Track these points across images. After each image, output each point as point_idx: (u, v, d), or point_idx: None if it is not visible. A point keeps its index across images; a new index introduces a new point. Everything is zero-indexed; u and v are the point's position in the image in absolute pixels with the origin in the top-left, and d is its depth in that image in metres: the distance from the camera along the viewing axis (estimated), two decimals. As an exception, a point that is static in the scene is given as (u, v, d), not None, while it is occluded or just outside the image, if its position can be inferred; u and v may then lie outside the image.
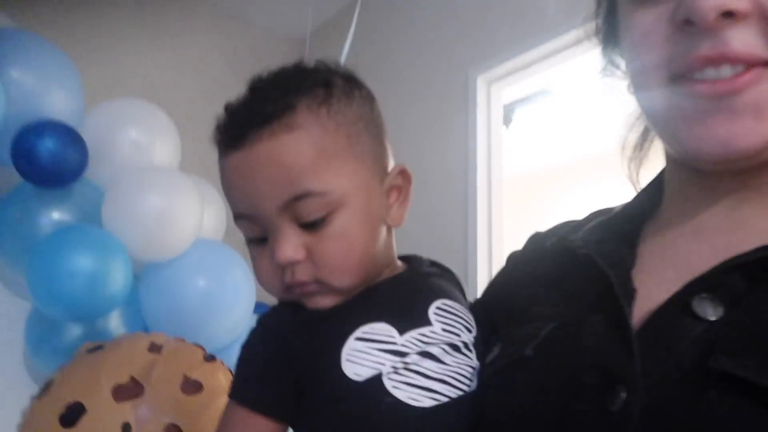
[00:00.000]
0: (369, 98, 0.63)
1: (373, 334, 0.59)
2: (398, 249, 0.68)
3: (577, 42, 1.47)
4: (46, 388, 1.06)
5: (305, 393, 0.60)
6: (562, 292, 0.54)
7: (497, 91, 1.84)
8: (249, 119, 0.57)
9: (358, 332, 0.58)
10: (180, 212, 1.23)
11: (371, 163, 0.61)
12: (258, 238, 0.61)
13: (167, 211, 1.21)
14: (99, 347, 1.11)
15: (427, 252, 0.72)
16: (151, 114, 1.39)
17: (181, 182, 1.26)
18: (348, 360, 0.57)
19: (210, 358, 1.17)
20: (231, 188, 0.60)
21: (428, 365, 0.58)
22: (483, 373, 0.57)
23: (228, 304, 1.30)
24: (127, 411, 0.99)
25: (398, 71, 2.07)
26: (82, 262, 1.08)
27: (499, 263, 0.77)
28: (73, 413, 1.00)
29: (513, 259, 0.65)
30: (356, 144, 0.60)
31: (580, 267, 0.53)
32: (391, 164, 0.64)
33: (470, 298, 0.67)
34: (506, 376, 0.53)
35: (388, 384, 0.57)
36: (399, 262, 0.67)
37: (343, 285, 0.61)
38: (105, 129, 1.31)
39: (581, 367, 0.45)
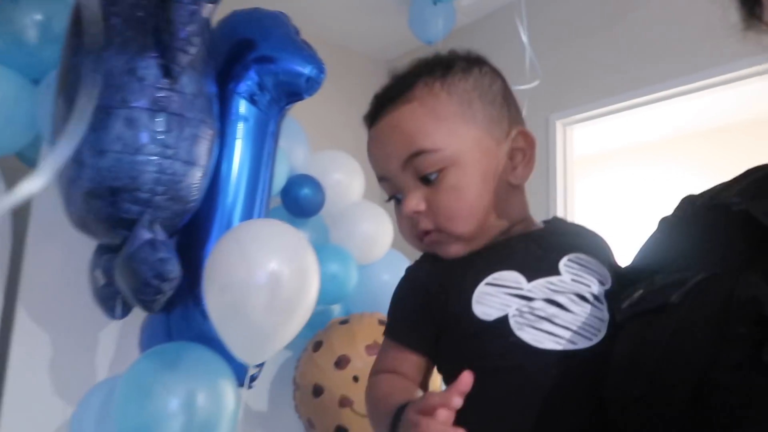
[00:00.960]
0: (489, 74, 0.71)
1: (502, 280, 0.65)
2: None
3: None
4: (317, 346, 1.68)
5: (442, 331, 0.67)
6: (714, 245, 0.52)
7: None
8: (381, 100, 0.70)
9: (489, 278, 0.65)
10: (381, 232, 1.83)
11: (486, 126, 0.68)
12: (394, 196, 0.71)
13: (374, 232, 1.82)
14: (346, 321, 1.73)
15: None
16: (344, 159, 1.98)
17: (378, 211, 1.87)
18: (478, 302, 0.64)
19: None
20: (370, 156, 0.72)
21: (553, 312, 0.62)
22: (618, 317, 0.57)
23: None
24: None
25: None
26: (331, 268, 1.69)
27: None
28: (342, 361, 1.62)
29: (663, 221, 0.63)
30: (468, 110, 0.68)
31: (735, 223, 0.51)
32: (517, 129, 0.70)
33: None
34: (647, 320, 0.52)
35: (514, 325, 0.62)
36: (537, 221, 0.74)
37: (459, 232, 0.68)
38: (320, 174, 1.91)
39: (736, 318, 0.44)
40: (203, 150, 1.11)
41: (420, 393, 0.67)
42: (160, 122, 1.03)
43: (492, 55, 0.73)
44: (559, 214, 2.25)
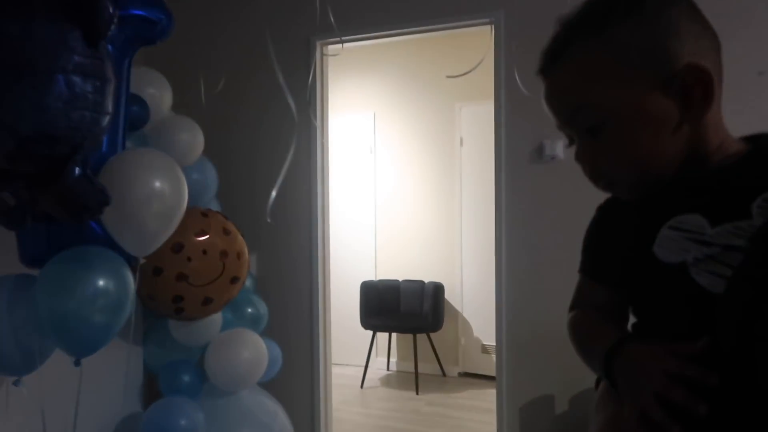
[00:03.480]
0: (654, 16, 0.67)
1: (685, 224, 0.66)
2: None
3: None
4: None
5: (627, 269, 0.71)
6: None
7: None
8: (546, 57, 0.74)
9: (672, 221, 0.66)
10: (195, 140, 2.23)
11: (650, 74, 0.67)
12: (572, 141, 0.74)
13: (191, 140, 2.21)
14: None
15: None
16: (154, 75, 2.25)
17: (190, 122, 2.25)
18: (659, 245, 0.66)
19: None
20: (546, 107, 0.75)
21: (735, 257, 0.60)
22: None
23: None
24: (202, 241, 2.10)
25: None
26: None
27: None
28: (177, 246, 2.04)
29: None
30: (625, 64, 0.68)
31: None
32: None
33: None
34: None
35: (693, 270, 0.63)
36: (739, 145, 0.70)
37: (623, 181, 0.72)
38: (136, 89, 2.16)
39: None
40: (111, 100, 1.43)
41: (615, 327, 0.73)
42: (89, 83, 1.32)
43: None
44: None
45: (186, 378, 2.40)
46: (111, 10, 1.32)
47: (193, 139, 2.22)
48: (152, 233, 1.59)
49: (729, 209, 0.63)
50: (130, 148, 1.68)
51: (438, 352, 4.86)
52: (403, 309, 4.79)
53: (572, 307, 0.83)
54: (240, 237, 2.28)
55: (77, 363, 1.55)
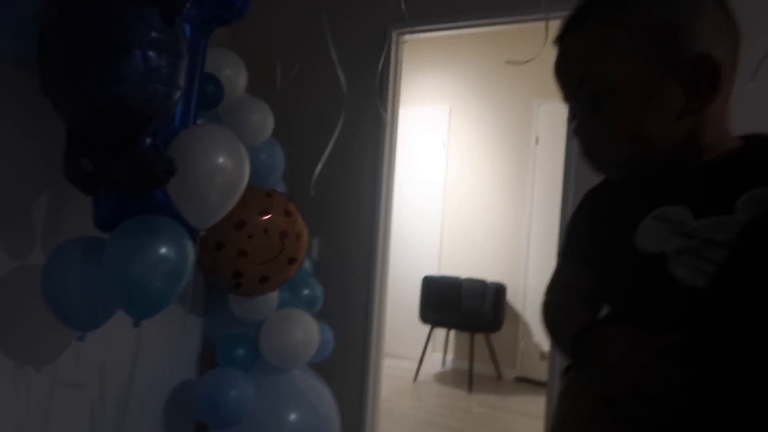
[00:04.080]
0: (670, 2, 0.67)
1: (669, 215, 0.65)
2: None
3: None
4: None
5: (608, 256, 0.71)
6: None
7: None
8: (564, 25, 0.74)
9: (657, 212, 0.66)
10: (266, 122, 2.30)
11: (660, 55, 0.66)
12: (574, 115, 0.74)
13: (261, 122, 2.28)
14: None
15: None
16: (231, 56, 2.32)
17: (263, 104, 2.31)
18: (640, 235, 0.66)
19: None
20: (555, 76, 0.76)
21: (715, 251, 0.60)
22: None
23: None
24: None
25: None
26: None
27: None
28: (240, 223, 2.12)
29: None
30: (642, 39, 0.67)
31: None
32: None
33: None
34: None
35: (671, 263, 0.63)
36: (734, 141, 0.70)
37: (616, 158, 0.71)
38: (212, 69, 2.24)
39: None
40: (184, 76, 1.49)
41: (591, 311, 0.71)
42: (164, 58, 1.38)
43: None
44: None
45: (241, 351, 2.48)
46: (188, -9, 1.37)
47: (264, 120, 2.28)
48: (213, 206, 1.65)
49: (714, 203, 0.63)
50: (200, 124, 1.74)
51: (495, 353, 4.79)
52: (464, 306, 4.75)
53: (548, 291, 0.83)
54: (300, 219, 2.32)
55: (136, 324, 1.63)
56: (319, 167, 1.89)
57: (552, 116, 4.57)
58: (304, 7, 3.09)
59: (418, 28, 2.68)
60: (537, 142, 4.72)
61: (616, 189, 0.77)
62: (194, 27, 1.71)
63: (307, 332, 2.46)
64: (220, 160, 1.64)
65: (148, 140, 1.43)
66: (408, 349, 4.98)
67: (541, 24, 2.61)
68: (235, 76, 2.25)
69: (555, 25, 2.63)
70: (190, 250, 1.68)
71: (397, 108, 2.97)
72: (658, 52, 0.67)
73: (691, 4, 0.68)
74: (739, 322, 0.49)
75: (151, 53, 1.36)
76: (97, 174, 1.53)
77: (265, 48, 3.05)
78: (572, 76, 0.73)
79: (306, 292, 2.62)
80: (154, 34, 1.36)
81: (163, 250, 1.59)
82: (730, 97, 0.71)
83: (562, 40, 0.75)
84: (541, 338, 4.69)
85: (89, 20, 1.33)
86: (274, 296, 2.44)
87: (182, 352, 2.51)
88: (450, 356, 5.10)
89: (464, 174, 5.00)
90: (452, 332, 5.06)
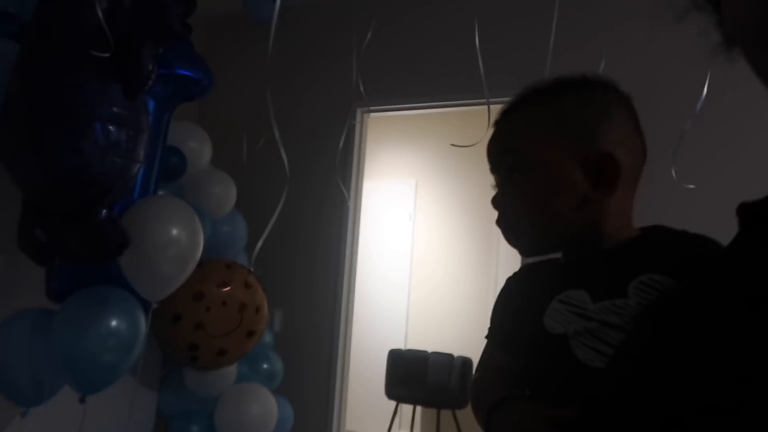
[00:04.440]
0: (598, 100, 0.76)
1: (571, 298, 0.70)
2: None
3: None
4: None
5: (520, 336, 0.76)
6: None
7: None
8: (499, 113, 0.82)
9: (561, 296, 0.71)
10: (228, 195, 2.32)
11: (572, 146, 0.74)
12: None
13: (223, 195, 2.30)
14: (200, 264, 2.17)
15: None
16: (196, 130, 2.37)
17: (225, 176, 2.34)
18: (548, 316, 0.71)
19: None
20: (486, 153, 0.82)
21: (610, 333, 0.65)
22: None
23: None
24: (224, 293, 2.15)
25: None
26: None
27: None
28: (198, 295, 2.10)
29: None
30: (558, 127, 0.75)
31: None
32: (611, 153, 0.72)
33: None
34: None
35: (572, 343, 0.67)
36: (634, 231, 0.77)
37: (525, 234, 0.78)
38: (177, 142, 2.28)
39: None
40: (143, 150, 1.52)
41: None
42: (123, 132, 1.41)
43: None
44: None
45: (195, 429, 2.40)
46: (150, 67, 1.42)
47: (226, 192, 2.31)
48: (165, 279, 1.64)
49: (609, 288, 0.69)
50: (154, 195, 1.75)
51: (462, 430, 4.69)
52: (430, 381, 4.68)
53: (477, 370, 0.88)
54: (261, 291, 2.31)
55: (82, 400, 1.58)
56: (259, 244, 1.91)
57: (515, 192, 4.68)
58: (271, 84, 3.19)
59: (377, 107, 2.78)
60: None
61: (531, 274, 0.83)
62: (158, 102, 1.75)
63: (264, 408, 2.40)
64: (174, 232, 1.65)
65: (104, 212, 1.44)
66: (373, 425, 4.84)
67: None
68: (199, 148, 2.29)
69: (496, 110, 2.78)
70: (143, 323, 1.66)
71: (361, 181, 3.03)
72: (570, 143, 0.75)
73: (604, 109, 0.76)
74: (631, 404, 0.49)
75: (111, 127, 1.39)
76: (51, 244, 1.52)
77: (233, 122, 3.12)
78: (497, 148, 0.80)
79: (265, 366, 2.57)
80: (115, 109, 1.40)
81: (114, 323, 1.57)
82: (633, 194, 0.78)
83: (496, 122, 0.82)
84: (508, 414, 4.62)
85: (53, 91, 1.36)
86: (231, 370, 2.39)
87: (133, 427, 2.41)
88: (416, 433, 4.97)
89: (431, 247, 5.05)
90: (419, 409, 4.96)
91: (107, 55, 1.34)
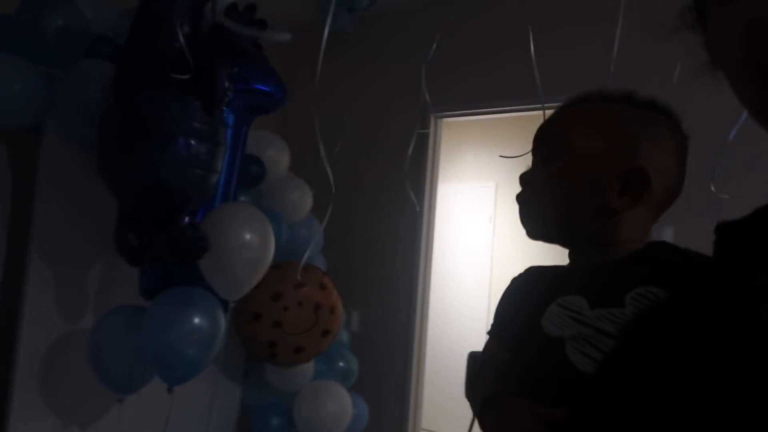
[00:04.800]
0: (654, 120, 0.78)
1: (569, 303, 0.72)
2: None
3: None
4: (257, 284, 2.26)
5: (519, 335, 0.77)
6: None
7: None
8: (566, 100, 0.84)
9: (561, 300, 0.73)
10: (304, 200, 2.44)
11: (614, 150, 0.75)
12: None
13: (299, 200, 2.42)
14: (278, 266, 2.31)
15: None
16: (275, 139, 2.51)
17: (301, 182, 2.46)
18: (546, 318, 0.73)
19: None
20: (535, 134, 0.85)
21: (604, 341, 0.67)
22: None
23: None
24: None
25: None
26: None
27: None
28: (276, 295, 2.23)
29: None
30: (608, 131, 0.77)
31: None
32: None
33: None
34: None
35: (568, 347, 0.68)
36: (640, 244, 0.78)
37: (537, 214, 0.79)
38: (258, 150, 2.43)
39: None
40: (222, 161, 1.64)
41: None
42: (203, 146, 1.54)
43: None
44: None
45: (275, 422, 2.53)
46: (226, 85, 1.54)
47: (302, 198, 2.42)
48: (240, 279, 1.76)
49: (607, 296, 0.71)
50: (230, 202, 1.88)
51: None
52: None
53: (473, 365, 0.91)
54: (335, 293, 2.41)
55: (170, 390, 1.73)
56: (306, 254, 1.99)
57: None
58: (349, 92, 3.30)
59: (448, 113, 2.81)
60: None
61: (535, 276, 0.85)
62: (237, 115, 1.88)
63: (340, 404, 2.50)
64: (247, 236, 1.76)
65: (186, 218, 1.58)
66: (452, 426, 4.86)
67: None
68: (277, 156, 2.42)
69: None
70: (222, 320, 1.79)
71: (435, 185, 3.07)
72: (613, 148, 0.76)
73: (657, 132, 0.78)
74: (616, 409, 0.51)
75: (192, 141, 1.52)
76: (142, 247, 1.67)
77: (312, 129, 3.25)
78: (544, 131, 0.83)
79: (341, 364, 2.67)
80: (196, 125, 1.53)
81: (196, 320, 1.70)
82: (654, 217, 0.80)
83: (554, 111, 0.85)
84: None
85: (140, 110, 1.51)
86: (309, 367, 2.50)
87: (219, 417, 2.58)
88: (497, 437, 4.94)
89: (510, 248, 5.00)
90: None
91: (187, 76, 1.47)
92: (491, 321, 0.90)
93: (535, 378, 0.74)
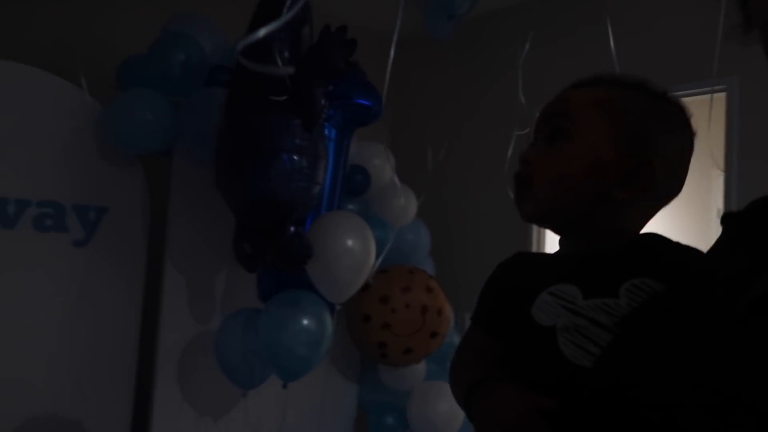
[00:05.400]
0: (671, 112, 0.76)
1: (561, 292, 0.70)
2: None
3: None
4: (365, 287, 2.39)
5: (509, 323, 0.75)
6: None
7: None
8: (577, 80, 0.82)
9: (552, 288, 0.71)
10: (409, 205, 2.52)
11: (623, 138, 0.73)
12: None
13: (404, 206, 2.51)
14: (385, 270, 2.42)
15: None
16: (379, 148, 2.62)
17: (406, 189, 2.55)
18: (537, 307, 0.71)
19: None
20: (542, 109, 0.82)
21: (597, 332, 0.65)
22: None
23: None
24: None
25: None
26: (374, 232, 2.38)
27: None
28: (384, 298, 2.34)
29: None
30: (619, 121, 0.74)
31: None
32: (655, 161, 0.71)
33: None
34: None
35: (560, 337, 0.66)
36: (633, 236, 0.77)
37: (538, 194, 0.76)
38: (363, 160, 2.55)
39: None
40: (322, 173, 1.76)
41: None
42: (304, 160, 1.67)
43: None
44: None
45: (390, 420, 2.63)
46: (323, 103, 1.65)
47: (408, 204, 2.50)
48: (344, 283, 1.87)
49: (601, 286, 0.68)
50: (333, 211, 2.00)
51: None
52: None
53: (457, 351, 0.87)
54: (442, 295, 2.46)
55: (284, 386, 1.88)
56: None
57: (735, 185, 4.21)
58: (450, 97, 3.34)
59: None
60: (718, 215, 4.36)
61: (523, 262, 0.84)
62: (338, 129, 2.00)
63: (452, 405, 2.54)
64: (349, 243, 1.87)
65: (292, 228, 1.71)
66: None
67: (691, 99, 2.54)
68: (382, 164, 2.52)
69: (719, 98, 2.56)
70: (329, 322, 1.91)
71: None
72: (623, 136, 0.74)
73: (670, 127, 0.76)
74: (615, 403, 0.53)
75: (294, 156, 1.66)
76: (256, 255, 1.84)
77: (418, 135, 3.33)
78: (552, 108, 0.80)
79: (452, 365, 2.71)
80: (297, 141, 1.66)
81: (305, 321, 1.84)
82: (652, 213, 0.78)
83: (565, 88, 0.82)
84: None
85: (248, 131, 1.66)
86: (420, 368, 2.57)
87: (337, 414, 2.72)
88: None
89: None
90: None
91: (284, 98, 1.60)
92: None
93: (522, 365, 0.72)
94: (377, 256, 2.48)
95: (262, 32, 1.24)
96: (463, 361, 0.84)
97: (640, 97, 0.77)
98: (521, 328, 0.73)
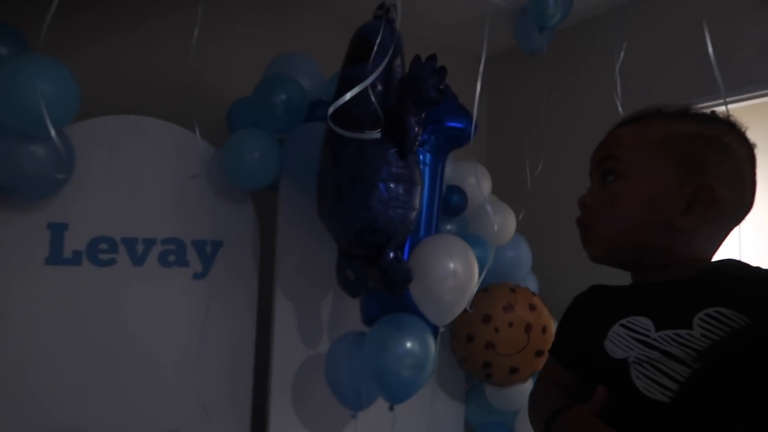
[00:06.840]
0: (721, 133, 0.73)
1: (634, 324, 0.69)
2: None
3: None
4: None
5: (585, 357, 0.75)
6: None
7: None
8: (617, 124, 0.84)
9: (624, 320, 0.70)
10: (508, 223, 2.51)
11: (675, 167, 0.72)
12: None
13: (503, 224, 2.51)
14: (486, 289, 2.43)
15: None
16: (476, 167, 2.64)
17: (505, 207, 2.54)
18: (609, 339, 0.70)
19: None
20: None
21: (671, 365, 0.62)
22: None
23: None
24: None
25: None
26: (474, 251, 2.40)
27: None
28: (486, 317, 2.34)
29: None
30: (667, 151, 0.73)
31: None
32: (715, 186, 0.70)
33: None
34: None
35: (632, 370, 0.65)
36: (708, 263, 0.75)
37: (599, 234, 0.76)
38: (459, 179, 2.58)
39: None
40: (419, 198, 1.80)
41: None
42: (400, 187, 1.72)
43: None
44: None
45: (498, 440, 2.61)
46: (416, 131, 1.71)
47: (506, 222, 2.50)
48: (447, 306, 1.89)
49: (674, 317, 0.67)
50: (436, 234, 2.04)
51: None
52: None
53: (535, 383, 0.88)
54: (546, 312, 2.42)
55: (391, 408, 1.92)
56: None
57: None
58: (550, 109, 3.29)
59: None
60: None
61: (598, 295, 0.83)
62: (432, 154, 2.05)
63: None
64: (451, 265, 1.89)
65: (392, 254, 1.77)
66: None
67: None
68: (478, 184, 2.54)
69: (733, 110, 2.37)
70: (432, 345, 1.94)
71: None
72: (675, 164, 0.73)
73: (721, 145, 0.74)
74: None
75: (392, 185, 1.71)
76: (358, 281, 1.91)
77: (514, 150, 3.31)
78: (600, 152, 0.81)
79: (560, 384, 2.65)
80: (393, 169, 1.72)
81: (408, 344, 1.88)
82: (725, 233, 0.76)
83: (611, 130, 0.83)
84: None
85: (349, 162, 1.74)
86: (527, 387, 2.54)
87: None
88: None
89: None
90: None
91: (378, 133, 1.67)
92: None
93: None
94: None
95: (348, 96, 1.31)
96: (541, 393, 0.85)
97: (684, 123, 0.76)
98: (595, 361, 0.72)
